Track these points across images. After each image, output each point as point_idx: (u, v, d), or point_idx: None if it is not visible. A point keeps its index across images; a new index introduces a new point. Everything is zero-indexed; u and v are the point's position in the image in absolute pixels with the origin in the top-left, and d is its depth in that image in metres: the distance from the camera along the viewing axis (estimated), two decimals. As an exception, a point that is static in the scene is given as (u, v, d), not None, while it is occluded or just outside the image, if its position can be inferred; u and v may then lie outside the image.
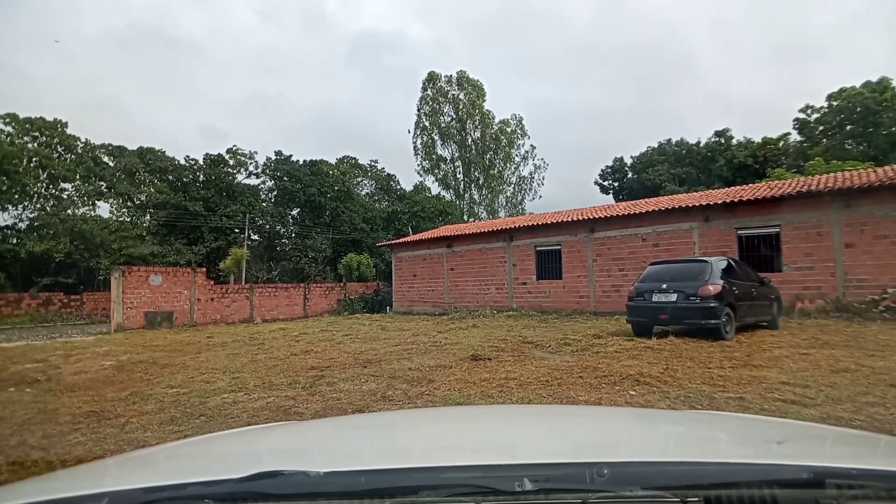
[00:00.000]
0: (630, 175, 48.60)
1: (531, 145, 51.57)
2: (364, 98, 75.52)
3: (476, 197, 51.43)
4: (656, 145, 47.27)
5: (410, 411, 4.57)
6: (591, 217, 17.58)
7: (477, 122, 50.81)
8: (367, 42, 78.26)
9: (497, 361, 7.78)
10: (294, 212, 36.98)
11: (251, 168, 35.32)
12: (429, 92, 51.35)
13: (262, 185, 36.12)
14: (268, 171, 35.60)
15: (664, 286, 9.85)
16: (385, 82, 76.25)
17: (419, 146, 51.01)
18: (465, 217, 46.45)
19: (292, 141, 76.28)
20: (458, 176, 51.57)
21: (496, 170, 51.17)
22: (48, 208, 26.88)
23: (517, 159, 51.75)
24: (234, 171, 34.04)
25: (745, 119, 68.58)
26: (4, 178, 24.66)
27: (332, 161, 40.36)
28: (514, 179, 52.02)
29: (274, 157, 35.29)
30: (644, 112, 72.34)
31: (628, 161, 48.88)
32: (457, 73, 49.87)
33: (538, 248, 18.70)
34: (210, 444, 1.72)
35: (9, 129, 26.90)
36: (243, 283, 23.11)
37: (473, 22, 76.68)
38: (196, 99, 70.82)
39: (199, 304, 18.35)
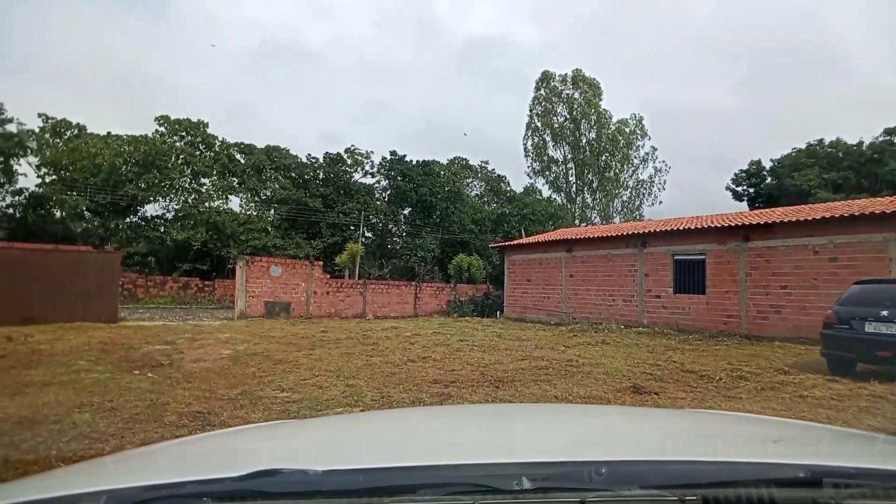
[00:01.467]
0: (769, 180, 42.82)
1: (652, 147, 47.39)
2: (474, 100, 74.99)
3: (589, 200, 48.48)
4: (803, 146, 41.10)
5: (409, 410, 4.37)
6: (746, 223, 14.84)
7: (592, 123, 47.83)
8: (476, 46, 77.75)
9: (667, 397, 6.06)
10: (405, 211, 37.04)
11: (367, 167, 35.90)
12: (542, 92, 49.29)
13: (377, 185, 36.58)
14: (382, 170, 35.97)
15: (884, 313, 7.40)
16: (495, 85, 75.19)
17: (530, 148, 49.16)
18: (577, 221, 43.81)
19: (404, 143, 78.01)
20: (571, 178, 48.93)
21: (612, 172, 47.81)
22: (190, 201, 29.04)
23: (636, 161, 48.04)
24: (352, 170, 34.76)
25: (916, 117, 57.81)
26: (156, 173, 26.93)
27: (444, 161, 39.98)
28: (631, 183, 48.32)
29: (389, 157, 35.55)
30: (779, 111, 63.88)
31: (767, 164, 43.06)
32: (572, 71, 47.28)
33: (677, 258, 16.24)
34: (209, 443, 1.70)
35: (162, 129, 29.54)
36: (356, 278, 23.05)
37: (584, 22, 72.90)
38: (316, 104, 74.81)
39: (315, 296, 18.34)
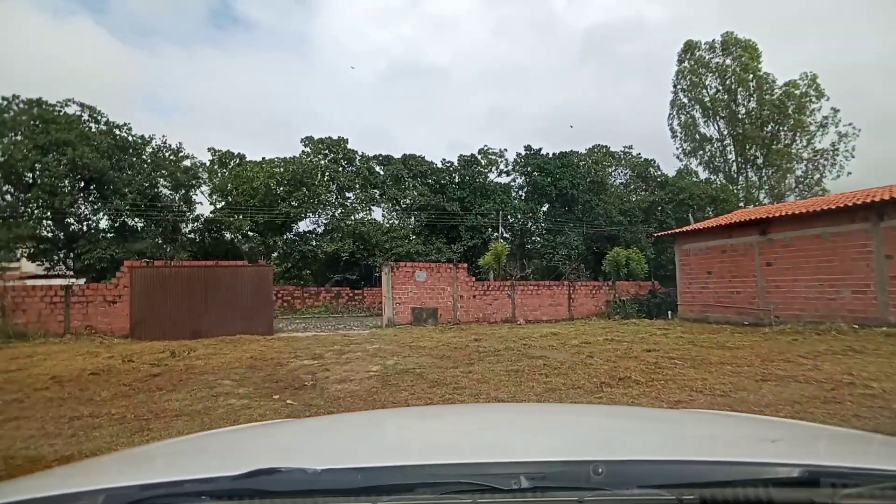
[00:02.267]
0: None
1: (832, 108, 38.83)
2: (604, 89, 69.69)
3: (755, 178, 41.37)
4: None
5: (407, 409, 4.17)
6: None
7: (751, 90, 40.76)
8: (599, 35, 72.29)
9: None
10: (544, 207, 34.55)
11: (501, 166, 34.10)
12: (686, 64, 43.42)
13: (513, 183, 34.60)
14: (517, 167, 33.89)
15: None
16: (625, 69, 69.13)
17: (677, 127, 43.63)
18: (742, 203, 37.37)
19: (534, 143, 74.96)
20: (729, 156, 42.32)
21: (781, 144, 40.23)
22: (336, 215, 29.77)
23: (811, 128, 39.85)
24: (486, 171, 33.22)
25: None
26: (305, 191, 27.95)
27: (582, 151, 36.68)
28: (806, 154, 40.26)
29: (523, 153, 33.35)
30: None
31: None
32: (721, 36, 40.82)
33: (939, 229, 11.67)
34: (207, 442, 1.68)
35: (307, 149, 30.81)
36: (501, 280, 21.22)
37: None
38: (443, 116, 75.59)
39: (462, 301, 16.83)
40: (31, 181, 22.48)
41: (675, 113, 43.56)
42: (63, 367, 8.63)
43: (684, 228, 19.03)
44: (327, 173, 30.20)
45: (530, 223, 34.37)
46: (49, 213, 23.53)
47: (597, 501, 0.82)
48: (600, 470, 0.85)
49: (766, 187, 41.25)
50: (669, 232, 19.65)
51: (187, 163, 27.28)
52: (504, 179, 34.37)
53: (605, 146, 39.85)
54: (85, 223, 25.00)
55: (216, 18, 76.82)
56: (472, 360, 8.85)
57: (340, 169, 30.98)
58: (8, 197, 22.88)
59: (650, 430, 1.57)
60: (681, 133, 43.29)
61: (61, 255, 24.46)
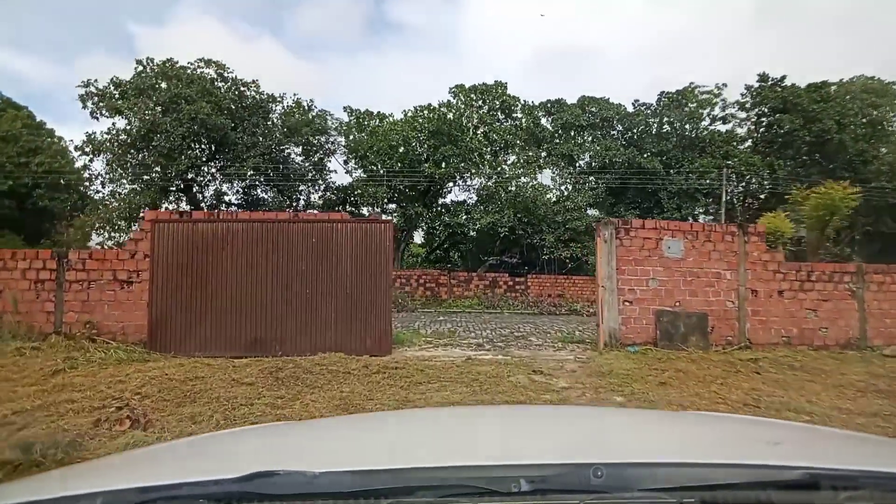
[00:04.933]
0: None
1: None
2: (796, 48, 52.00)
3: None
4: None
5: (406, 411, 4.07)
6: None
7: None
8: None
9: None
10: (782, 161, 23.19)
11: (718, 109, 23.57)
12: None
13: (735, 131, 23.82)
14: (745, 107, 23.03)
15: None
16: (820, 18, 50.53)
17: None
18: None
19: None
20: None
21: None
22: (492, 182, 22.44)
23: None
24: (699, 115, 23.03)
25: None
26: (453, 147, 21.20)
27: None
28: None
29: (756, 85, 22.38)
30: None
31: None
32: None
33: None
34: (205, 444, 1.61)
35: (456, 100, 23.85)
36: (791, 258, 11.69)
37: None
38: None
39: (754, 299, 8.08)
40: (153, 143, 18.92)
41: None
42: None
43: None
44: (481, 128, 22.98)
45: (760, 182, 23.17)
46: (177, 182, 20.07)
47: None
48: (600, 473, 0.82)
49: None
50: None
51: (318, 122, 22.27)
52: (722, 127, 23.79)
53: (875, 77, 26.43)
54: (208, 191, 21.23)
55: (372, 25, 76.82)
56: None
57: (497, 123, 23.56)
58: (134, 162, 19.71)
59: (651, 433, 1.49)
60: None
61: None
